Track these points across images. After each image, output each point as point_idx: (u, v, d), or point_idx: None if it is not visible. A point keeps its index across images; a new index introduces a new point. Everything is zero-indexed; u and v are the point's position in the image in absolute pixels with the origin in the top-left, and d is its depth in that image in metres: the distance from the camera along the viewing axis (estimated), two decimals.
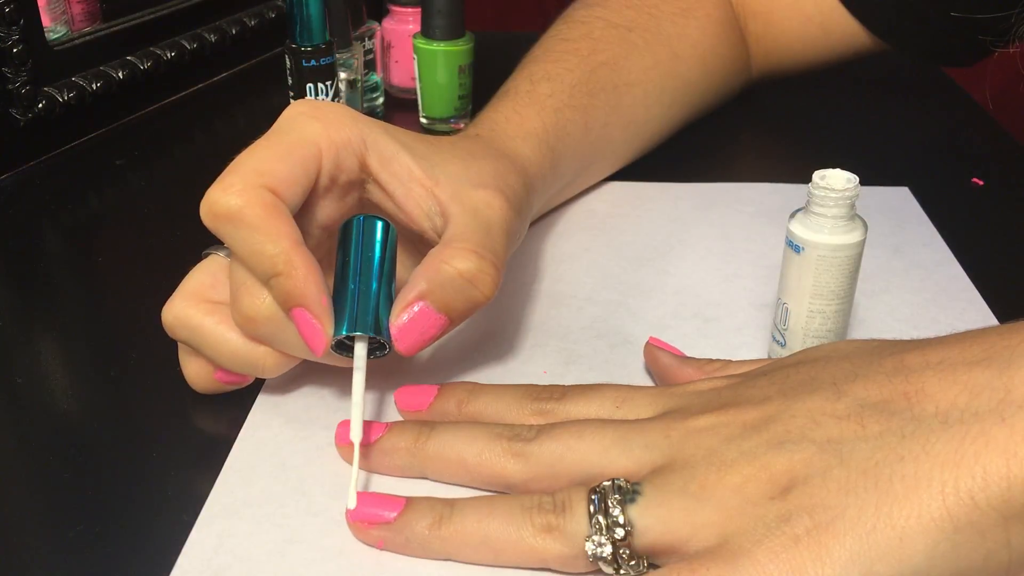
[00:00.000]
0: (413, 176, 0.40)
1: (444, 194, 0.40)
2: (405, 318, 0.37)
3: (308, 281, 0.36)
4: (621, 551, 0.31)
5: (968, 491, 0.28)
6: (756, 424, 0.33)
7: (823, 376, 0.34)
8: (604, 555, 0.31)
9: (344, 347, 0.38)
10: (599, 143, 0.56)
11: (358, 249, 0.38)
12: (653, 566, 0.32)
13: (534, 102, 0.52)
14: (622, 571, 0.32)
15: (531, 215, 0.49)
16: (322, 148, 0.38)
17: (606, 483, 0.32)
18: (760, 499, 0.30)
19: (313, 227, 0.40)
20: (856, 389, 0.32)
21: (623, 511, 0.31)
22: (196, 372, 0.41)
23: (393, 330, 0.37)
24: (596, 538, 0.31)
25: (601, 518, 0.31)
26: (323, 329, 0.36)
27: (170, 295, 0.40)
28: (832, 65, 0.66)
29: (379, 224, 0.39)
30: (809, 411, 0.32)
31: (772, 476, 0.31)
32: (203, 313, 0.39)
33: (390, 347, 0.38)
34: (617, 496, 0.32)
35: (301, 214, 0.39)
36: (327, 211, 0.40)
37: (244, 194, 0.36)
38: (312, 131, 0.38)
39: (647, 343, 0.42)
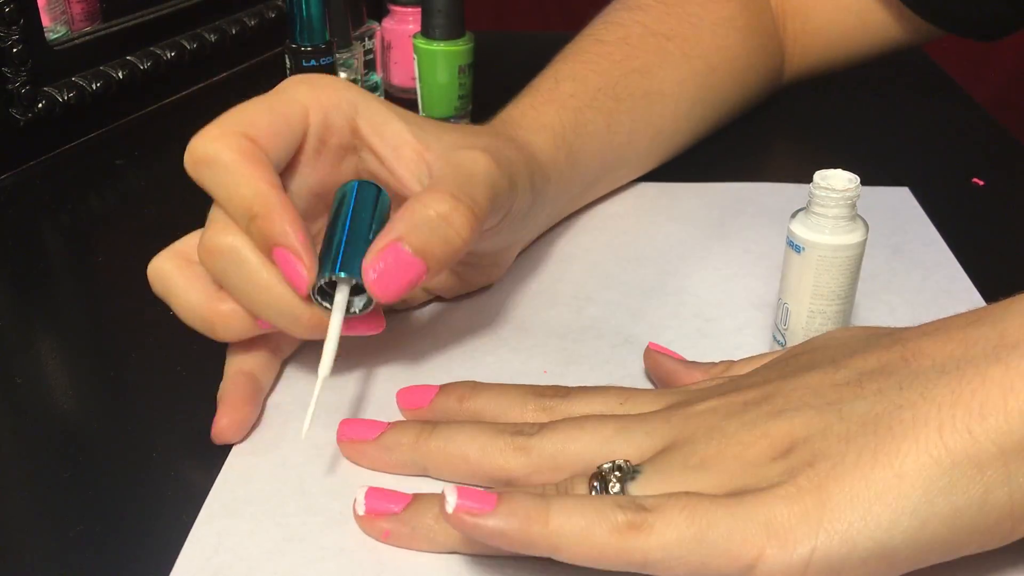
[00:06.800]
0: (404, 141, 0.41)
1: (433, 157, 0.40)
2: (381, 264, 0.36)
3: (285, 220, 0.36)
4: None
5: (965, 425, 0.28)
6: (756, 400, 0.33)
7: (822, 358, 0.34)
8: None
9: (326, 295, 0.38)
10: (624, 148, 0.55)
11: (349, 207, 0.39)
12: None
13: (554, 99, 0.52)
14: None
15: (545, 200, 0.48)
16: (308, 107, 0.39)
17: (606, 465, 0.32)
18: (762, 461, 0.31)
19: (304, 191, 0.40)
20: (855, 361, 0.33)
21: (623, 488, 0.31)
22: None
23: (368, 275, 0.36)
24: None
25: None
26: (304, 268, 0.36)
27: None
28: (865, 61, 0.67)
29: (373, 188, 0.40)
30: (808, 384, 0.33)
31: (772, 441, 0.31)
32: (177, 268, 0.40)
33: (369, 299, 0.38)
34: (617, 474, 0.32)
35: (291, 176, 0.40)
36: (319, 175, 0.40)
37: (222, 139, 0.37)
38: (300, 92, 0.40)
39: (647, 349, 0.42)
